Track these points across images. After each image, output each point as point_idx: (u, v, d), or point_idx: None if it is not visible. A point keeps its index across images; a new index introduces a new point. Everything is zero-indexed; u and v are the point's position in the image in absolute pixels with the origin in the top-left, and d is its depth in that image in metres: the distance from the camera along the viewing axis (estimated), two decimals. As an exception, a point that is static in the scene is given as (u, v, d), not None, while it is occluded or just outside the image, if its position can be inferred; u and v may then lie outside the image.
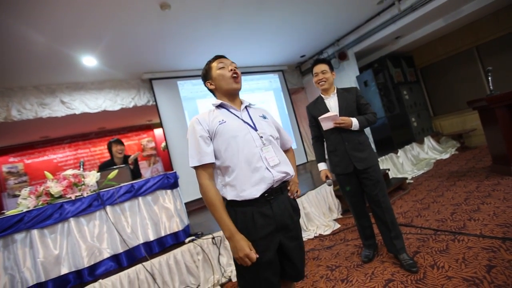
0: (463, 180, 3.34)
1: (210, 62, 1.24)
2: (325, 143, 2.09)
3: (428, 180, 3.78)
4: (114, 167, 2.64)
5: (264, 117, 1.24)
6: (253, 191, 1.03)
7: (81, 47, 3.24)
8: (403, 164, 4.52)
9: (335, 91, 1.98)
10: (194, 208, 4.25)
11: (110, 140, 3.10)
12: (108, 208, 2.14)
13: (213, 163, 1.09)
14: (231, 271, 2.36)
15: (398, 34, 4.98)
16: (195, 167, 1.09)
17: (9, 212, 1.91)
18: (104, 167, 2.85)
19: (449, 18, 4.50)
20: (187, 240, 2.37)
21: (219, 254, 2.38)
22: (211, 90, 1.26)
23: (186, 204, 4.26)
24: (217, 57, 1.24)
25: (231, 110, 1.19)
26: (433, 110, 6.00)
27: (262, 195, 1.04)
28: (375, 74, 5.17)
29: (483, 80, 4.93)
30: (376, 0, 4.17)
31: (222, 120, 1.12)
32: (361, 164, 1.87)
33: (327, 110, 1.94)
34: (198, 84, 5.09)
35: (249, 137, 1.10)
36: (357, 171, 1.91)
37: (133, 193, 2.24)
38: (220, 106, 1.20)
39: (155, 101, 4.61)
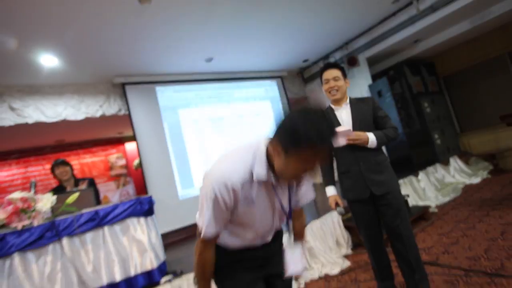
0: (498, 209, 3.39)
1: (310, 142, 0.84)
2: (335, 164, 2.11)
3: (455, 208, 3.83)
4: (74, 189, 2.61)
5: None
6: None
7: (38, 42, 3.26)
8: (425, 189, 4.58)
9: (348, 101, 2.02)
10: (172, 240, 4.18)
11: (52, 162, 3.11)
12: (65, 240, 2.10)
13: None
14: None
15: (417, 37, 5.22)
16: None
17: None
18: (57, 192, 2.81)
19: (476, 20, 4.75)
20: (162, 280, 2.34)
21: (202, 299, 2.32)
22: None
23: (162, 235, 4.20)
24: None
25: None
26: (460, 125, 6.17)
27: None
28: (391, 83, 5.34)
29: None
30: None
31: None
32: (379, 189, 1.88)
33: (338, 124, 1.97)
34: (180, 91, 5.15)
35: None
36: (374, 197, 1.92)
37: (97, 222, 2.21)
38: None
39: (128, 109, 4.64)
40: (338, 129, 1.85)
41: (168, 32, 3.73)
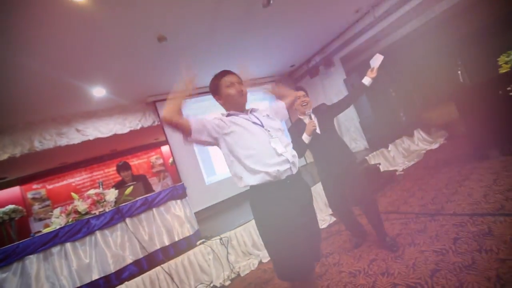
0: (447, 167, 3.54)
1: (218, 78, 1.38)
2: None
3: (417, 170, 3.98)
4: (129, 184, 2.94)
5: (268, 116, 1.48)
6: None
7: (91, 79, 3.60)
8: (395, 157, 4.73)
9: (311, 110, 2.25)
10: (202, 217, 4.50)
11: (117, 163, 3.38)
12: (128, 220, 2.42)
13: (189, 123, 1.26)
14: (239, 267, 2.61)
15: (378, 37, 5.26)
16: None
17: (45, 230, 2.22)
18: (118, 187, 3.13)
19: (422, 18, 4.77)
20: (198, 242, 2.64)
21: (228, 253, 2.64)
22: (221, 104, 1.43)
23: (195, 213, 4.56)
24: (224, 73, 1.38)
25: (241, 116, 1.37)
26: (421, 103, 6.20)
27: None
28: (361, 76, 5.42)
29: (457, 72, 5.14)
30: (353, 9, 4.48)
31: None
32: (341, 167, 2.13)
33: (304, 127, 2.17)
34: (199, 101, 5.41)
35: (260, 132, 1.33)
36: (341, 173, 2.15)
37: (148, 205, 2.53)
38: (229, 115, 1.38)
39: (160, 121, 4.94)
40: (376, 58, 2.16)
41: (184, 60, 3.98)
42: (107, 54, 3.16)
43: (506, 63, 2.90)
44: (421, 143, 5.34)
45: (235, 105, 1.40)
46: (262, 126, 1.37)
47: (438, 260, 1.70)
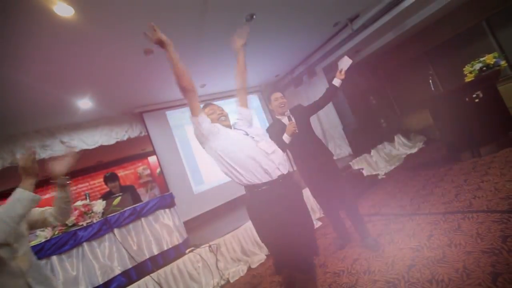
0: (424, 170, 3.75)
1: (202, 109, 1.62)
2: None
3: (397, 173, 4.19)
4: (116, 194, 2.93)
5: (249, 126, 1.72)
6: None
7: (77, 92, 3.59)
8: (377, 162, 4.93)
9: (288, 111, 2.36)
10: (191, 226, 4.48)
11: (105, 174, 3.36)
12: (116, 230, 2.43)
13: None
14: (229, 274, 2.64)
15: (357, 48, 5.55)
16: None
17: (31, 243, 2.18)
18: (105, 198, 3.11)
19: (396, 31, 5.10)
20: (187, 251, 2.66)
21: (217, 260, 2.67)
22: None
23: (184, 223, 4.53)
24: (207, 105, 1.67)
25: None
26: (400, 110, 6.53)
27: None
28: (342, 85, 5.66)
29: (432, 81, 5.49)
30: (332, 23, 4.73)
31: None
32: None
33: (284, 127, 2.28)
34: (185, 112, 5.46)
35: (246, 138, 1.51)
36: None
37: (136, 215, 2.54)
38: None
39: (147, 131, 4.95)
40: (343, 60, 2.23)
41: (170, 72, 4.05)
42: (93, 66, 3.19)
43: (470, 72, 3.16)
44: (401, 147, 5.60)
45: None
46: (247, 134, 1.53)
47: (414, 256, 1.82)
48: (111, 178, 3.27)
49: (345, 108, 5.59)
